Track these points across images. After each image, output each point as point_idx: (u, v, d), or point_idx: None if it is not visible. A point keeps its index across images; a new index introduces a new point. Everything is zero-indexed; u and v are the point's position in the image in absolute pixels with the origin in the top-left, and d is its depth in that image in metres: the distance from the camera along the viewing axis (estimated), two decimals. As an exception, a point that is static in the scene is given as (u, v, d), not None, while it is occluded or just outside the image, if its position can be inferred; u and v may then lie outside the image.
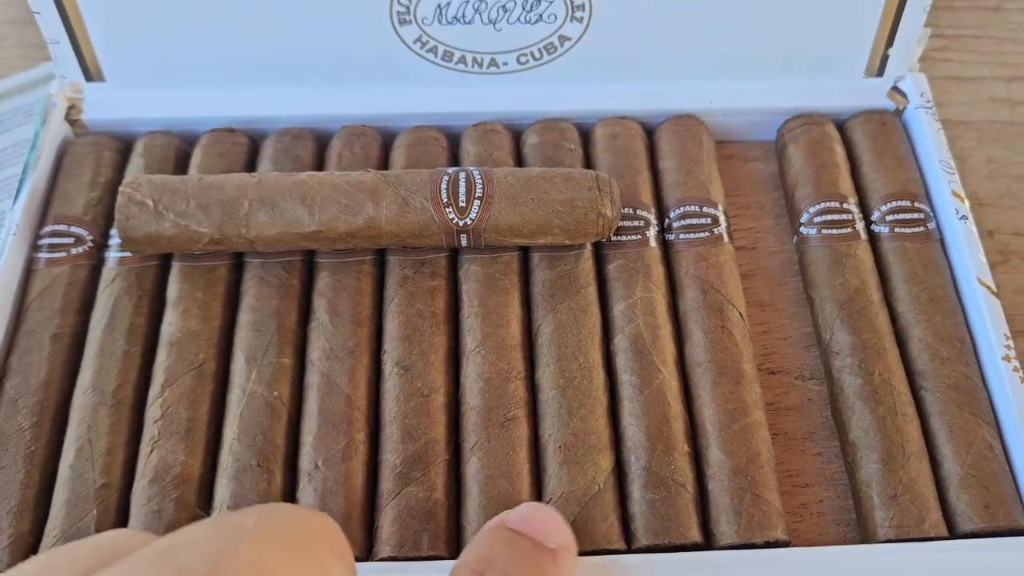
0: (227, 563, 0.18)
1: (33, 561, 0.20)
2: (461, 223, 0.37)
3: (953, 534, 0.34)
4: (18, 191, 0.40)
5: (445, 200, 0.37)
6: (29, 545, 0.34)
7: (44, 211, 0.41)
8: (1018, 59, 0.53)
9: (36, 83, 0.50)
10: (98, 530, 0.34)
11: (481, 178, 0.37)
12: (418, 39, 0.41)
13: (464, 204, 0.37)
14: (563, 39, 0.42)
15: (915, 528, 0.34)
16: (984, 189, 0.48)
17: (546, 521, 0.29)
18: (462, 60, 0.42)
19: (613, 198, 0.38)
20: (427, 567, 0.32)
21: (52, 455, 0.36)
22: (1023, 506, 0.34)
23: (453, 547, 0.34)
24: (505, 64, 0.43)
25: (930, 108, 0.43)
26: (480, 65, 0.43)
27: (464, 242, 0.38)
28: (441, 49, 0.42)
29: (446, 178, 0.37)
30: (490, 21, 0.41)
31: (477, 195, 0.37)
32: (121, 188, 0.38)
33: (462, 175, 0.37)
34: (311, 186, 0.37)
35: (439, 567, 0.32)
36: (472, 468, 0.34)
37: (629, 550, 0.34)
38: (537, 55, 0.42)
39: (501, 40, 0.42)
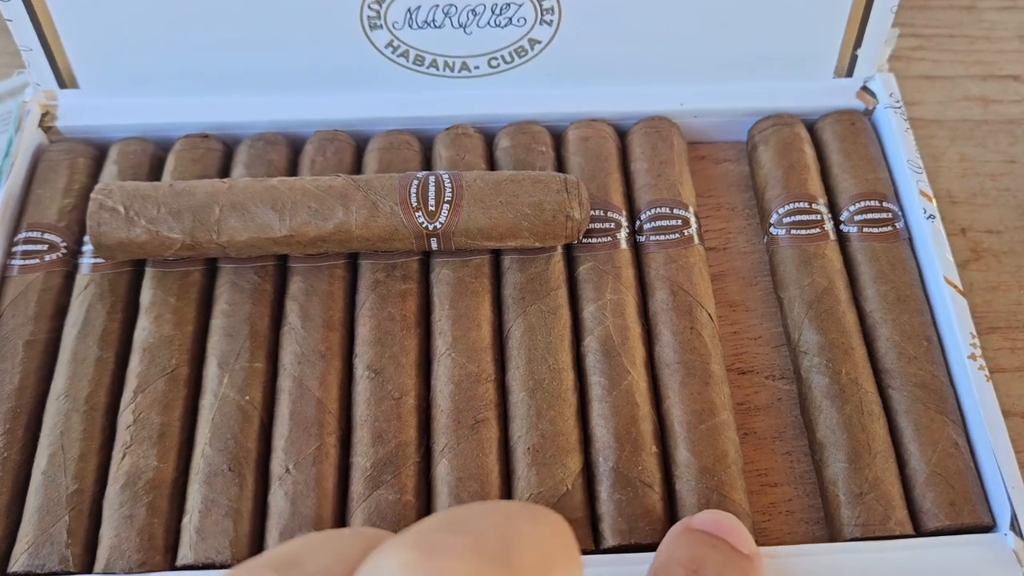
0: (513, 535, 0.18)
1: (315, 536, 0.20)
2: (431, 227, 0.37)
3: (919, 532, 0.35)
4: (-8, 198, 0.41)
5: (415, 204, 0.37)
6: (1, 551, 0.34)
7: (18, 218, 0.41)
8: (991, 58, 0.54)
9: (13, 91, 0.50)
10: (71, 536, 0.34)
11: (450, 182, 0.38)
12: (389, 43, 0.42)
13: (433, 208, 0.37)
14: (533, 42, 0.42)
15: (880, 526, 0.34)
16: (957, 187, 0.49)
17: (737, 527, 0.30)
18: (433, 64, 0.43)
19: (581, 200, 0.38)
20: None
21: (25, 461, 0.36)
22: (988, 504, 0.35)
23: (423, 549, 0.34)
24: (476, 68, 0.43)
25: (899, 108, 0.44)
26: (451, 69, 0.43)
27: (434, 245, 0.38)
28: (412, 53, 0.42)
29: (416, 182, 0.38)
30: (460, 25, 0.41)
31: (446, 199, 0.37)
32: (92, 195, 0.38)
33: (431, 179, 0.38)
34: (282, 191, 0.38)
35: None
36: (442, 470, 0.35)
37: (597, 550, 0.34)
38: (508, 58, 0.43)
39: (472, 44, 0.42)
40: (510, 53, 0.42)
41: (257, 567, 0.18)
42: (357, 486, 0.35)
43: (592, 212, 0.40)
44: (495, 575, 0.17)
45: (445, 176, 0.38)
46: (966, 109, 0.52)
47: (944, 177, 0.49)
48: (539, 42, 0.42)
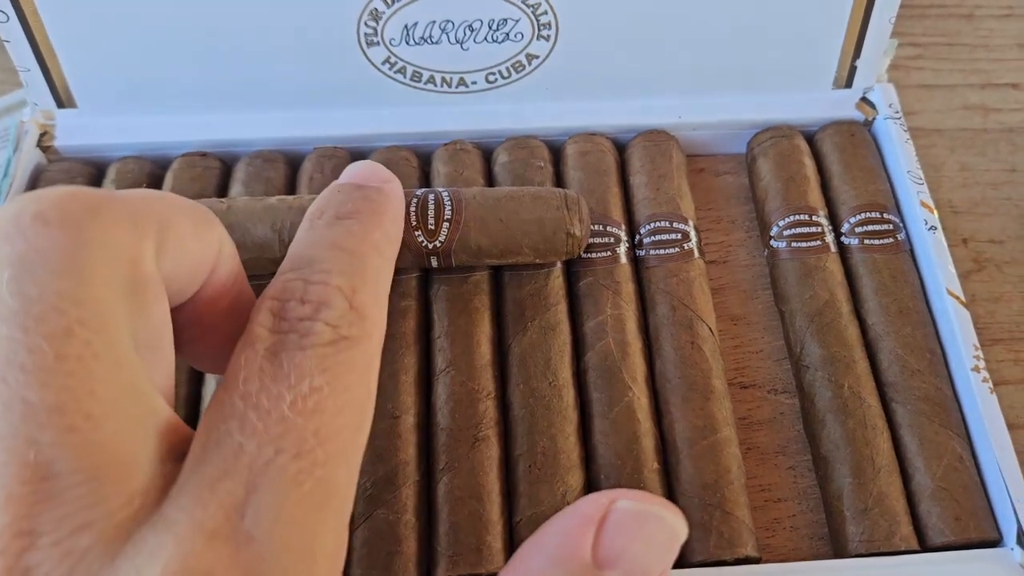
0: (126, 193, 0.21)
1: None
2: (431, 245, 0.37)
3: (924, 547, 0.34)
4: (-10, 219, 0.40)
5: (414, 223, 0.37)
6: None
7: (16, 239, 0.41)
8: (990, 66, 0.54)
9: (10, 108, 0.50)
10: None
11: (450, 200, 0.38)
12: (386, 60, 0.42)
13: (433, 226, 0.37)
14: (531, 57, 0.42)
15: (885, 542, 0.34)
16: (958, 197, 0.49)
17: (367, 169, 0.29)
18: (431, 80, 0.43)
19: (582, 216, 0.38)
20: (398, 590, 0.32)
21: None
22: (994, 518, 0.34)
23: (423, 570, 0.34)
24: (474, 83, 0.43)
25: (899, 118, 0.43)
26: (449, 84, 0.43)
27: (434, 263, 0.38)
28: (409, 70, 0.42)
29: (415, 200, 0.38)
30: (457, 41, 0.41)
31: (446, 217, 0.37)
32: (91, 215, 0.38)
33: (431, 197, 0.38)
34: (280, 211, 0.37)
35: (409, 590, 0.32)
36: (442, 489, 0.35)
37: (600, 569, 0.34)
38: (505, 73, 0.42)
39: (469, 59, 0.42)
40: (507, 68, 0.42)
41: None
42: (356, 506, 0.34)
43: (592, 227, 0.40)
44: (92, 194, 0.20)
45: (444, 193, 0.38)
46: (966, 118, 0.52)
47: (945, 187, 0.49)
48: (536, 57, 0.42)
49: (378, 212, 0.27)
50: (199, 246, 0.23)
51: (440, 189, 0.38)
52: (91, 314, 0.18)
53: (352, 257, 0.24)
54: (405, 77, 0.42)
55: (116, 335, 0.18)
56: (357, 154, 0.43)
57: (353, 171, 0.29)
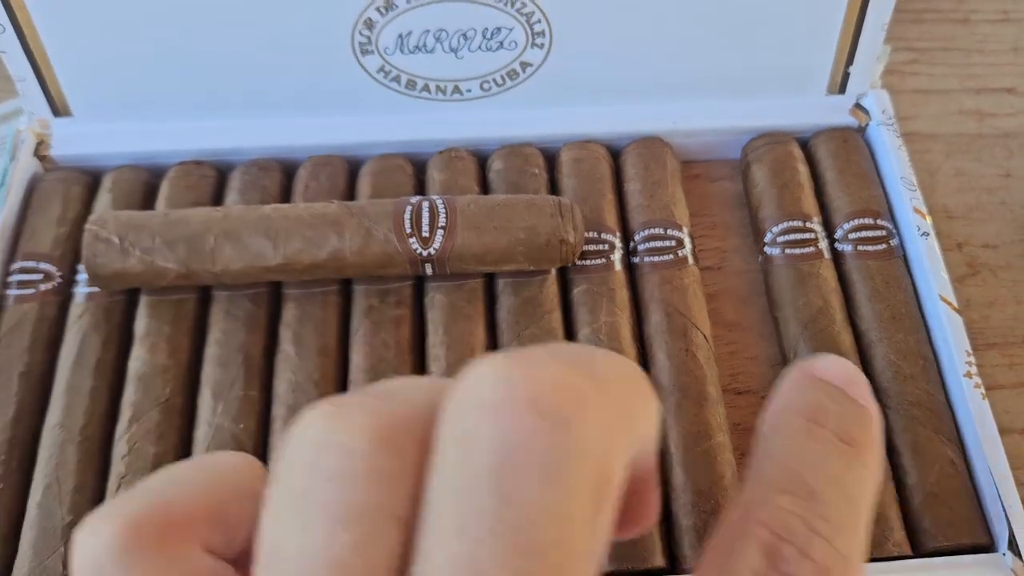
0: (594, 357, 0.18)
1: None
2: (425, 253, 0.37)
3: (917, 552, 0.34)
4: (-13, 228, 0.41)
5: (408, 230, 0.37)
6: (-2, 584, 0.34)
7: (13, 248, 0.41)
8: (986, 71, 0.54)
9: (6, 117, 0.50)
10: (65, 567, 0.34)
11: (444, 207, 0.38)
12: (381, 68, 0.42)
13: (427, 234, 0.37)
14: (525, 65, 0.42)
15: (878, 548, 0.34)
16: (954, 202, 0.49)
17: (857, 378, 0.27)
18: (426, 88, 0.43)
19: (576, 224, 0.38)
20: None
21: (20, 493, 0.36)
22: (986, 523, 0.35)
23: None
24: (469, 91, 0.43)
25: (892, 125, 0.44)
26: (444, 92, 0.43)
27: (429, 271, 0.38)
28: (404, 78, 0.42)
29: (409, 208, 0.38)
30: (451, 49, 0.41)
31: (440, 224, 0.37)
32: (87, 225, 0.38)
33: (425, 204, 0.38)
34: (275, 219, 0.38)
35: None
36: (437, 498, 0.35)
37: None
38: (500, 81, 0.43)
39: (463, 68, 0.42)
40: (502, 76, 0.42)
41: (355, 396, 0.18)
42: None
43: (586, 234, 0.40)
44: (584, 381, 0.17)
45: (439, 201, 0.38)
46: (961, 123, 0.52)
47: (940, 192, 0.49)
48: (531, 65, 0.42)
49: (876, 447, 0.25)
50: (644, 430, 0.20)
51: (434, 197, 0.38)
52: (565, 535, 0.16)
53: (854, 510, 0.23)
54: (400, 85, 0.43)
55: (583, 561, 0.17)
56: (352, 161, 0.43)
57: (837, 371, 0.27)
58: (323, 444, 0.17)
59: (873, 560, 0.34)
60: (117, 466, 0.36)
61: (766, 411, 0.26)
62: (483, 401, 0.16)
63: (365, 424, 0.17)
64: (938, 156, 0.50)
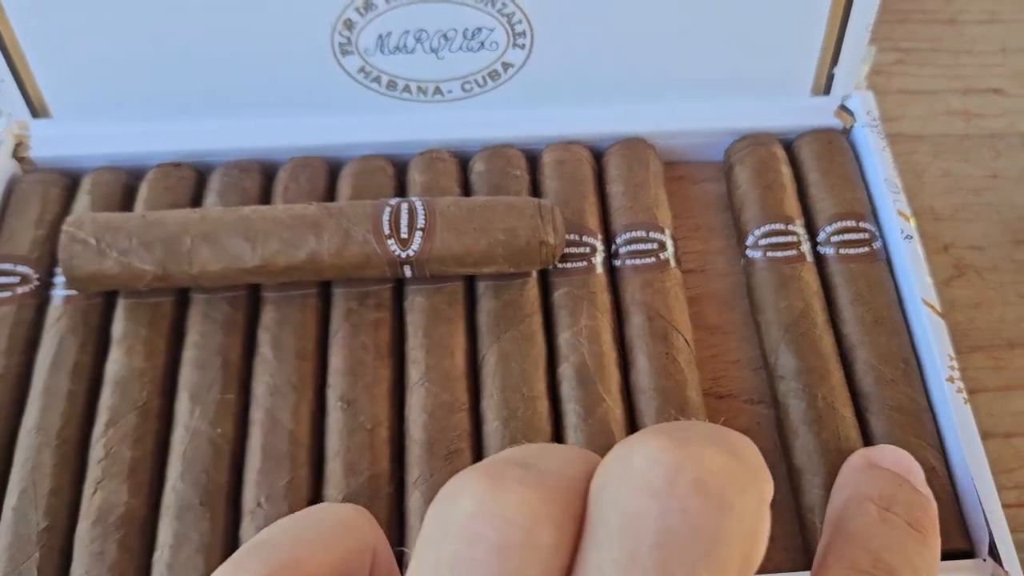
0: (731, 438, 0.20)
1: None
2: (404, 254, 0.37)
3: (898, 558, 0.34)
4: (-36, 230, 0.40)
5: (387, 232, 0.37)
6: (-28, 589, 0.34)
7: (-9, 249, 0.41)
8: (973, 72, 0.53)
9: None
10: (40, 573, 0.34)
11: (424, 209, 0.37)
12: (361, 69, 0.42)
13: (406, 235, 0.37)
14: (506, 65, 0.42)
15: (858, 553, 0.34)
16: (940, 203, 0.48)
17: (916, 468, 0.31)
18: (407, 89, 0.42)
19: (556, 226, 0.38)
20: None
21: (-4, 497, 0.36)
22: (966, 529, 0.34)
23: (396, 582, 0.34)
24: (450, 92, 0.43)
25: (876, 126, 0.43)
26: (425, 93, 0.43)
27: (408, 273, 0.38)
28: (385, 79, 0.42)
29: (388, 209, 0.37)
30: (432, 50, 0.41)
31: (419, 226, 0.37)
32: (64, 227, 0.37)
33: (404, 206, 0.37)
34: (253, 220, 0.37)
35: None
36: (415, 503, 0.34)
37: None
38: (481, 82, 0.42)
39: (444, 68, 0.42)
40: (483, 77, 0.42)
41: (499, 462, 0.19)
42: (330, 519, 0.34)
43: (567, 236, 0.40)
44: (738, 466, 0.18)
45: (418, 203, 0.38)
46: (948, 123, 0.52)
47: (927, 193, 0.49)
48: (512, 65, 0.42)
49: (937, 536, 0.29)
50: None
51: (414, 198, 0.38)
52: None
53: None
54: (380, 86, 0.42)
55: None
56: (333, 162, 0.43)
57: (899, 461, 0.31)
58: (484, 514, 0.17)
59: (853, 565, 0.33)
60: (94, 470, 0.35)
61: (835, 495, 0.30)
62: (650, 484, 0.17)
63: (526, 498, 0.18)
64: (925, 157, 0.50)
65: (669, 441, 0.18)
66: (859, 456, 0.31)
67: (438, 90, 0.43)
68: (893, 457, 0.31)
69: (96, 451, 0.36)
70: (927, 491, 0.30)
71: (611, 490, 0.18)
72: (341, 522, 0.23)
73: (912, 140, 0.51)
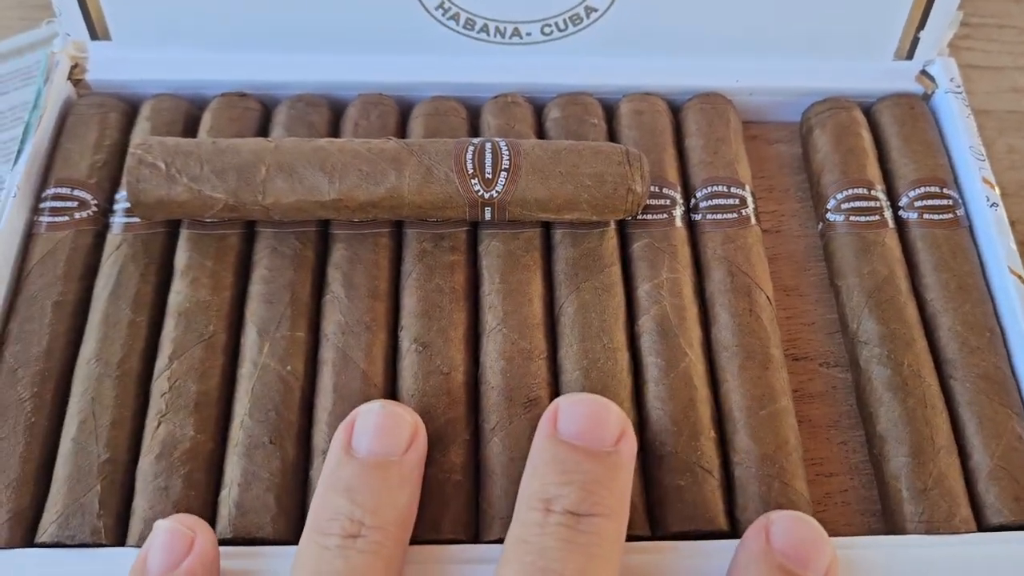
0: None
1: None
2: (487, 195, 0.36)
3: (981, 527, 0.33)
4: (19, 152, 0.39)
5: (471, 171, 0.36)
6: (29, 520, 0.32)
7: (46, 174, 0.39)
8: (1040, 49, 0.53)
9: (35, 45, 0.48)
10: (102, 507, 0.32)
11: (508, 149, 0.36)
12: (440, 5, 0.40)
13: (490, 176, 0.36)
14: (589, 10, 0.40)
15: (945, 523, 0.33)
16: (1006, 179, 0.48)
17: (818, 553, 0.29)
18: (484, 29, 0.41)
19: (643, 174, 0.36)
20: (447, 551, 0.31)
21: (53, 428, 0.34)
22: (1054, 501, 0.34)
23: (472, 531, 0.33)
24: (528, 34, 0.41)
25: (960, 93, 0.42)
26: (503, 35, 0.41)
27: (488, 215, 0.36)
28: (463, 16, 0.40)
29: (471, 148, 0.36)
30: (516, -12, 0.39)
31: (504, 167, 0.36)
32: (131, 149, 0.36)
33: (488, 145, 0.36)
34: (331, 152, 0.36)
35: (459, 551, 0.31)
36: (494, 450, 0.33)
37: (654, 537, 0.33)
38: (562, 26, 0.41)
39: (525, 9, 0.40)
40: (564, 20, 0.41)
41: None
42: (404, 463, 0.33)
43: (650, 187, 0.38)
44: None
45: (502, 143, 0.36)
46: (1015, 100, 0.51)
47: (993, 169, 0.48)
48: (595, 10, 0.40)
49: None
50: None
51: (498, 139, 0.37)
52: None
53: None
54: (458, 24, 0.41)
55: None
56: (403, 103, 0.42)
57: (797, 548, 0.29)
58: None
59: (939, 534, 0.33)
60: (157, 403, 0.34)
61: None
62: None
63: None
64: (991, 133, 0.49)
65: None
66: (753, 538, 0.29)
67: (516, 32, 0.41)
68: (791, 544, 0.29)
69: (160, 384, 0.34)
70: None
71: None
72: None
73: (977, 115, 0.49)
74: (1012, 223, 0.46)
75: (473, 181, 0.35)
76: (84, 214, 0.38)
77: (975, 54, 0.52)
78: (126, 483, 0.33)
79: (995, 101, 0.51)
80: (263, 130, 0.41)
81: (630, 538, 0.32)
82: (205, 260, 0.37)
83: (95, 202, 0.38)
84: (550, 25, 0.41)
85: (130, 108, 0.41)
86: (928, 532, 0.33)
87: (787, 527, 0.29)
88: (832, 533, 0.35)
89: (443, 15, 0.40)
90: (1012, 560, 0.32)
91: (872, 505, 0.36)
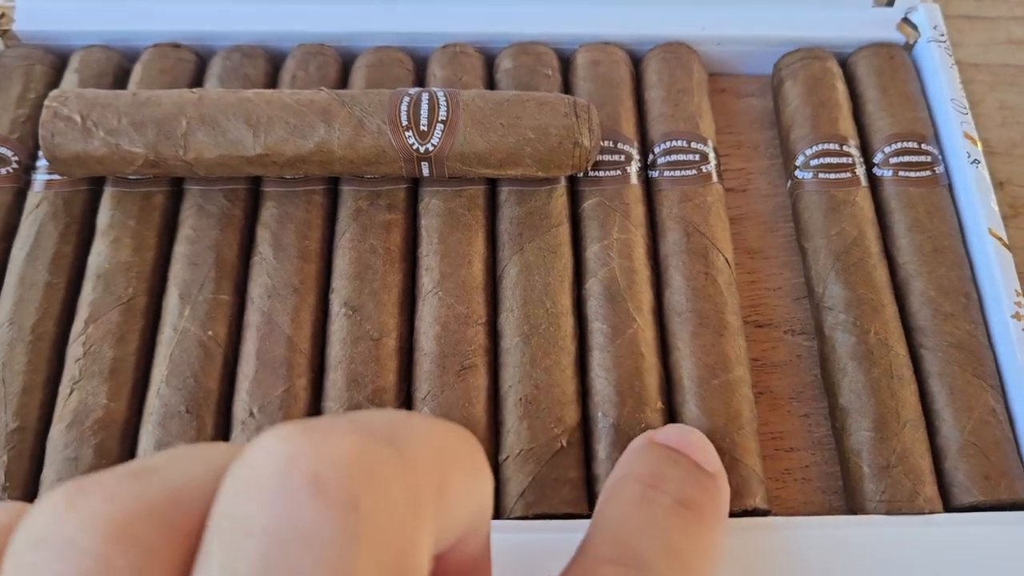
0: (405, 425, 0.17)
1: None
2: (422, 149, 0.33)
3: (949, 507, 0.31)
4: (-62, 105, 0.37)
5: (405, 123, 0.33)
6: (-68, 491, 0.31)
7: (-34, 128, 0.37)
8: (1038, -1, 0.49)
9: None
10: (8, 479, 0.30)
11: (446, 100, 0.34)
12: (382, -52, 0.38)
13: (426, 128, 0.33)
14: (543, -47, 0.38)
15: (908, 503, 0.31)
16: (996, 137, 0.45)
17: (703, 444, 0.28)
18: (431, -26, 0.38)
19: (592, 127, 0.34)
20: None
21: (-38, 394, 0.32)
22: (1028, 477, 0.31)
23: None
24: (479, -20, 0.39)
25: (943, 42, 0.40)
26: (451, -20, 0.39)
27: (425, 171, 0.34)
28: (408, -40, 0.38)
29: (407, 99, 0.34)
30: (462, -71, 0.37)
31: (440, 118, 0.33)
32: (46, 102, 0.34)
33: (424, 96, 0.34)
34: (257, 104, 0.34)
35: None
36: (423, 420, 0.31)
37: (590, 515, 0.31)
38: (514, -30, 0.38)
39: (474, -48, 0.38)
40: (516, -36, 0.38)
41: (113, 473, 0.15)
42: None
43: (601, 142, 0.36)
44: (383, 453, 0.15)
45: (440, 93, 0.34)
46: (1009, 53, 0.48)
47: (982, 125, 0.45)
48: (549, -47, 0.38)
49: (718, 514, 0.26)
50: (468, 508, 0.18)
51: (435, 89, 0.34)
52: None
53: (687, 574, 0.23)
54: (402, -32, 0.38)
55: None
56: (345, 53, 0.39)
57: (681, 438, 0.28)
58: (47, 541, 0.14)
59: (901, 514, 0.30)
60: (71, 369, 0.32)
61: (609, 478, 0.27)
62: (259, 481, 0.14)
63: (100, 514, 0.14)
64: (981, 87, 0.46)
65: (295, 430, 0.15)
66: (641, 437, 0.28)
67: (465, -23, 0.39)
68: (678, 435, 0.28)
69: (74, 349, 0.32)
70: (715, 467, 0.27)
71: (224, 493, 0.15)
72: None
73: (969, 68, 0.47)
74: (1001, 184, 0.43)
75: (407, 134, 0.33)
76: (5, 171, 0.36)
77: (966, 3, 0.49)
78: (36, 453, 0.31)
79: (987, 54, 0.47)
80: (197, 82, 0.39)
81: (566, 517, 0.30)
82: (128, 219, 0.35)
83: (16, 158, 0.36)
84: (501, -31, 0.38)
85: (59, 60, 0.39)
86: (889, 512, 0.30)
87: (671, 431, 0.28)
88: (789, 512, 0.33)
89: (386, -41, 0.38)
90: (979, 542, 0.30)
91: (834, 482, 0.33)
